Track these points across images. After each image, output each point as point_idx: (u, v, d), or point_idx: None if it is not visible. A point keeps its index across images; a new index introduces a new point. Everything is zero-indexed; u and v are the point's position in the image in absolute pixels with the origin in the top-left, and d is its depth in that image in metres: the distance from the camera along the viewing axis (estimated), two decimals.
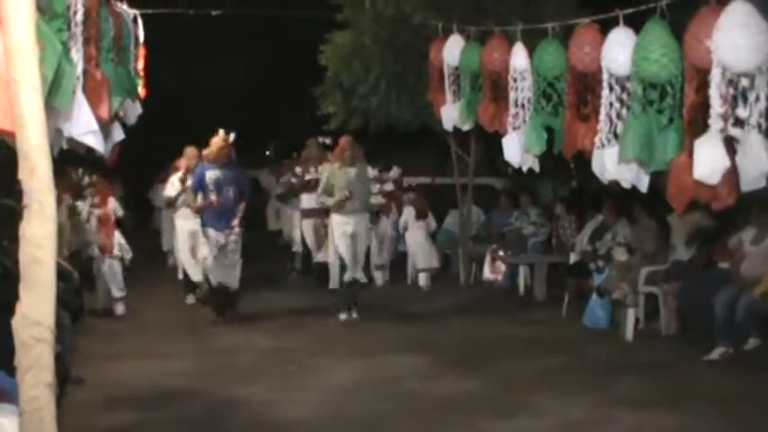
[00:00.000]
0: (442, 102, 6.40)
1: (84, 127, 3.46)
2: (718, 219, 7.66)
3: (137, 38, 5.24)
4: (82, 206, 8.78)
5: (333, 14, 9.55)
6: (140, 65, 5.46)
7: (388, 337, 7.94)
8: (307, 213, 10.08)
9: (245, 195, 8.49)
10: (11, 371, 2.72)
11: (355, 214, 8.43)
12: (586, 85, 4.74)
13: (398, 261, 11.54)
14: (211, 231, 8.20)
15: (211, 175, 8.21)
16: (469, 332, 8.26)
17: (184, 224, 9.09)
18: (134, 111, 5.02)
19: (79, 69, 3.45)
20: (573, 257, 9.43)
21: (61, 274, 3.36)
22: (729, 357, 6.85)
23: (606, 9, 4.63)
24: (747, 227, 7.34)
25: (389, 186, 11.20)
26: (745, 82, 3.76)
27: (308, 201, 9.93)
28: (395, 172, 11.50)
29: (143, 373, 6.49)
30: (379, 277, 10.99)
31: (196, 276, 9.05)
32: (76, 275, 6.30)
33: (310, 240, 10.16)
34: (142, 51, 5.52)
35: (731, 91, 3.79)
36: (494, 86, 5.59)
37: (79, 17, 3.48)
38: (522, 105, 5.29)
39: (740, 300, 6.92)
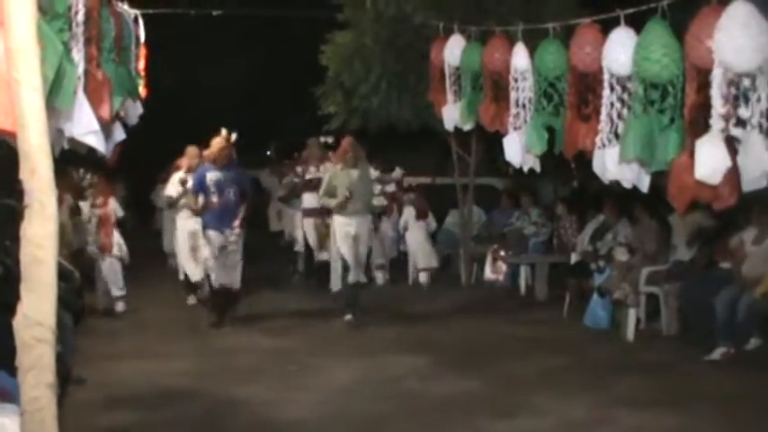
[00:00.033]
0: (443, 102, 6.40)
1: (85, 127, 3.46)
2: (720, 219, 7.66)
3: (138, 38, 5.24)
4: (83, 206, 8.79)
5: (334, 14, 9.55)
6: (141, 65, 5.46)
7: (389, 337, 7.94)
8: (308, 213, 10.06)
9: (247, 196, 8.45)
10: (12, 371, 2.72)
11: (357, 216, 8.40)
12: (587, 85, 4.74)
13: (399, 261, 11.54)
14: (212, 233, 8.17)
15: (212, 176, 8.19)
16: (470, 332, 8.26)
17: (185, 224, 9.08)
18: (135, 111, 5.01)
19: (80, 69, 3.45)
20: (574, 257, 9.43)
21: (62, 275, 3.37)
22: (730, 357, 6.85)
23: (607, 9, 4.63)
24: (748, 227, 7.34)
25: (391, 187, 11.20)
26: (746, 82, 3.76)
27: (309, 200, 9.92)
28: (397, 173, 11.51)
29: (144, 374, 6.50)
30: (380, 277, 11.00)
31: (195, 276, 9.05)
32: (78, 276, 6.30)
33: (312, 239, 10.14)
34: (143, 51, 5.52)
35: (733, 91, 3.78)
36: (495, 86, 5.59)
37: (80, 17, 3.48)
38: (523, 105, 5.28)
39: (741, 300, 6.92)
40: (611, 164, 4.52)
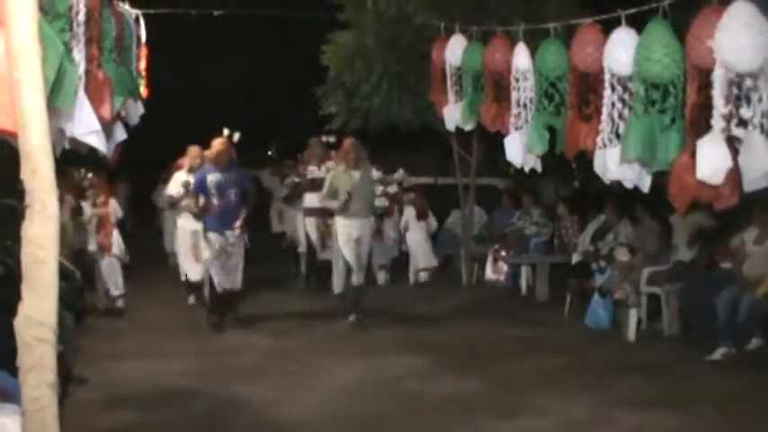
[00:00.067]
0: (445, 102, 6.40)
1: (86, 127, 3.46)
2: (720, 219, 7.66)
3: (139, 38, 5.25)
4: (85, 206, 8.79)
5: (335, 14, 9.55)
6: (142, 65, 5.47)
7: (390, 337, 7.94)
8: (309, 212, 10.05)
9: (250, 196, 8.36)
10: (13, 371, 2.72)
11: (359, 217, 8.36)
12: (588, 85, 4.73)
13: (400, 261, 11.54)
14: (212, 235, 8.09)
15: (212, 178, 8.11)
16: (471, 332, 8.26)
17: (186, 223, 9.06)
18: (136, 111, 5.02)
19: (81, 69, 3.45)
20: (575, 258, 9.43)
21: (63, 275, 3.37)
22: (732, 358, 6.85)
23: (608, 9, 4.63)
24: (750, 227, 7.34)
25: (393, 188, 11.20)
26: (748, 82, 3.76)
27: (310, 200, 9.90)
28: (399, 174, 11.50)
29: (145, 373, 6.50)
30: (381, 277, 10.99)
31: (194, 276, 9.03)
32: (79, 275, 6.31)
33: (314, 238, 10.12)
34: (144, 51, 5.53)
35: (734, 91, 3.78)
36: (496, 86, 5.59)
37: (81, 17, 3.48)
38: (525, 105, 5.28)
39: (742, 300, 6.92)
40: (613, 164, 4.52)
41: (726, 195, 3.92)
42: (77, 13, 3.45)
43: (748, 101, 3.78)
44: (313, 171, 9.93)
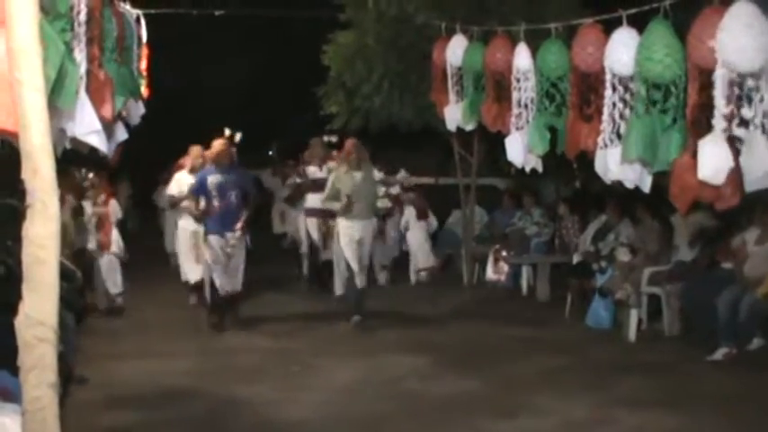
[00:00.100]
0: (445, 102, 6.39)
1: (87, 127, 3.46)
2: (722, 219, 7.65)
3: (140, 38, 5.25)
4: (86, 206, 8.80)
5: (336, 14, 9.54)
6: (143, 65, 5.47)
7: (391, 338, 7.94)
8: (310, 212, 10.04)
9: (251, 197, 8.34)
10: (14, 371, 2.72)
11: (361, 219, 8.33)
12: (589, 85, 4.73)
13: (400, 260, 11.54)
14: (213, 237, 8.06)
15: (213, 179, 8.07)
16: (471, 332, 8.25)
17: (186, 224, 9.05)
18: (137, 111, 5.02)
19: (82, 69, 3.45)
20: (576, 258, 9.43)
21: (64, 275, 3.37)
22: (732, 358, 6.85)
23: (609, 9, 4.62)
24: (751, 227, 7.34)
25: (396, 190, 11.19)
26: (750, 82, 3.75)
27: (312, 200, 9.89)
28: (402, 175, 11.50)
29: (146, 373, 6.50)
30: (382, 277, 10.99)
31: (194, 277, 9.02)
32: (80, 275, 6.31)
33: (316, 238, 10.10)
34: (145, 51, 5.53)
35: (736, 91, 3.78)
36: (497, 86, 5.58)
37: (82, 17, 3.48)
38: (526, 105, 5.28)
39: (743, 300, 6.92)
40: (614, 164, 4.52)
41: (727, 195, 3.92)
42: (78, 12, 3.45)
43: (750, 101, 3.78)
44: (314, 172, 9.92)
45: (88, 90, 3.51)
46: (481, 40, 5.89)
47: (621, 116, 4.46)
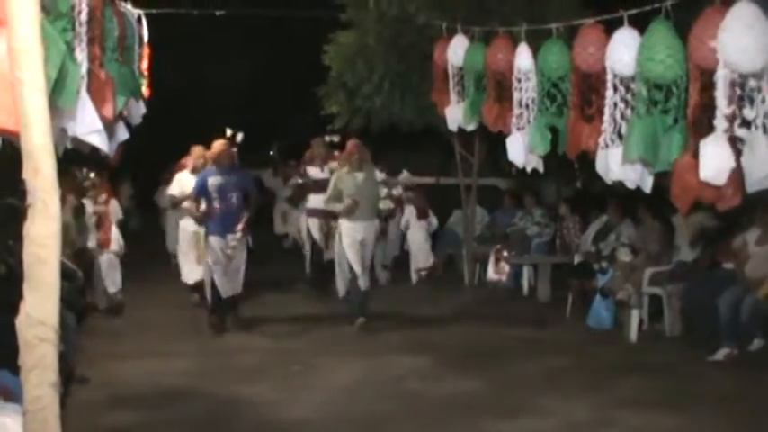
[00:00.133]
0: (447, 102, 6.39)
1: (88, 126, 3.46)
2: (723, 219, 7.65)
3: (141, 38, 5.25)
4: (87, 205, 8.81)
5: (337, 14, 9.54)
6: (144, 65, 5.47)
7: (392, 338, 7.94)
8: (311, 213, 10.04)
9: (252, 198, 8.31)
10: (15, 370, 2.72)
11: (364, 220, 8.29)
12: (591, 85, 4.73)
13: (401, 259, 11.54)
14: (214, 239, 8.04)
15: (214, 181, 8.04)
16: (472, 332, 8.25)
17: (187, 224, 9.04)
18: (138, 111, 5.03)
19: (83, 69, 3.45)
20: (577, 258, 9.43)
21: (65, 274, 3.37)
22: (734, 358, 6.85)
23: (610, 9, 4.62)
24: (752, 227, 7.33)
25: (398, 190, 11.18)
26: (752, 83, 3.75)
27: (313, 200, 9.88)
28: (404, 176, 11.48)
29: (147, 373, 6.50)
30: (383, 277, 10.99)
31: (193, 277, 9.02)
32: (81, 275, 6.32)
33: (318, 238, 10.08)
34: (146, 51, 5.53)
35: (737, 92, 3.78)
36: (498, 87, 5.58)
37: (83, 17, 3.48)
38: (527, 106, 5.28)
39: (745, 300, 6.91)
40: (615, 164, 4.51)
41: (728, 196, 3.92)
42: (80, 12, 3.45)
43: (751, 101, 3.77)
44: (315, 173, 9.92)
45: (89, 90, 3.51)
46: (482, 41, 5.89)
47: (623, 116, 4.46)
